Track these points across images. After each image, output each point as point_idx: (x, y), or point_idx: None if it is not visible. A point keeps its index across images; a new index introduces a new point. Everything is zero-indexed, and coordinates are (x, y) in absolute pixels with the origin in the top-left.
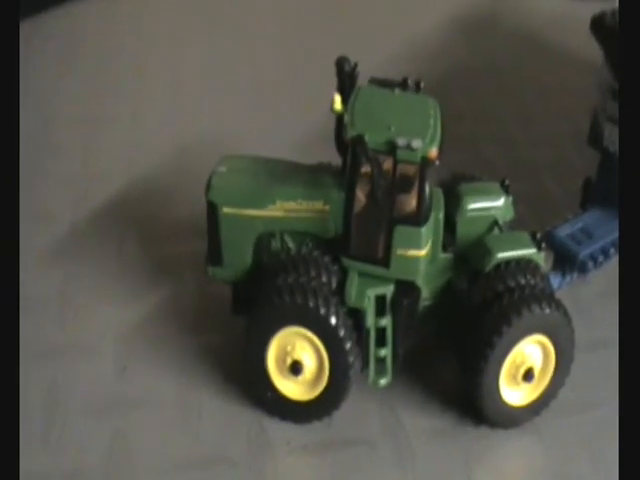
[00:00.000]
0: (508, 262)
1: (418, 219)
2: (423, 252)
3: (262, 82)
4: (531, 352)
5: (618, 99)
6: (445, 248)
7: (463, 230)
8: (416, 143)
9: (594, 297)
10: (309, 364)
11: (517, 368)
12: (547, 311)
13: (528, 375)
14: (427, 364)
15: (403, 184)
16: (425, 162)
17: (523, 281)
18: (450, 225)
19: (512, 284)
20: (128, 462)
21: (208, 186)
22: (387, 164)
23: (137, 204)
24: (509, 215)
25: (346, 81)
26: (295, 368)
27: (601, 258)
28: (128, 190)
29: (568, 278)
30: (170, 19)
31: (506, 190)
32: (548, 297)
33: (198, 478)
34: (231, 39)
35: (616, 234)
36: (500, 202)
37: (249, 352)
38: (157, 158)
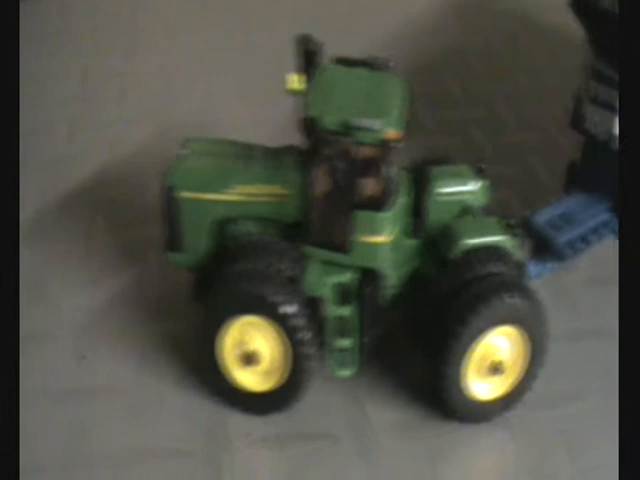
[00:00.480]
0: (478, 249)
1: (380, 204)
2: (386, 238)
3: (251, 67)
4: (499, 344)
5: (618, 89)
6: (414, 234)
7: (433, 215)
8: (377, 124)
9: (577, 285)
10: (266, 354)
11: (484, 360)
12: (517, 301)
13: (497, 368)
14: (395, 355)
15: (365, 167)
16: (386, 144)
17: (493, 269)
18: (420, 210)
19: (481, 272)
20: (85, 452)
21: (167, 170)
22: (353, 147)
23: (111, 186)
24: (483, 200)
25: (309, 60)
26: (251, 358)
27: (580, 245)
28: (105, 172)
29: (549, 266)
30: (164, 1)
31: (481, 174)
32: (519, 286)
33: (155, 469)
34: (223, 23)
35: (597, 220)
36: (472, 186)
37: (204, 341)
38: (138, 141)
